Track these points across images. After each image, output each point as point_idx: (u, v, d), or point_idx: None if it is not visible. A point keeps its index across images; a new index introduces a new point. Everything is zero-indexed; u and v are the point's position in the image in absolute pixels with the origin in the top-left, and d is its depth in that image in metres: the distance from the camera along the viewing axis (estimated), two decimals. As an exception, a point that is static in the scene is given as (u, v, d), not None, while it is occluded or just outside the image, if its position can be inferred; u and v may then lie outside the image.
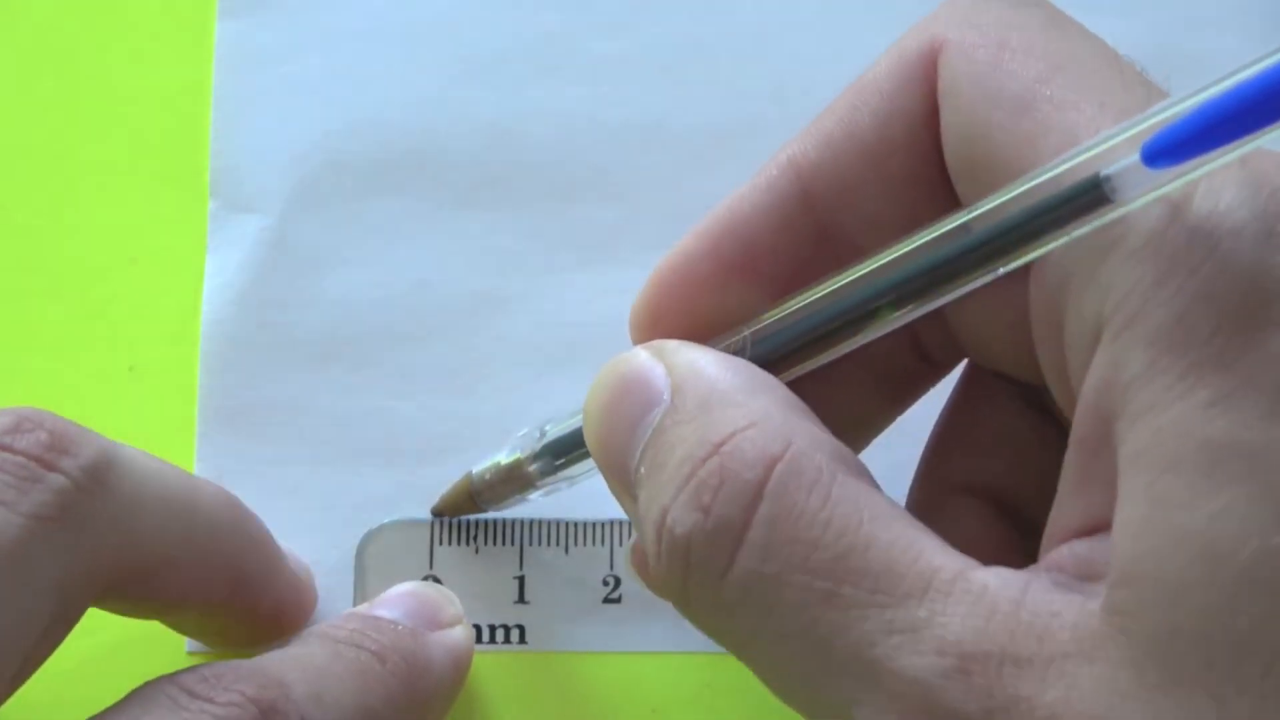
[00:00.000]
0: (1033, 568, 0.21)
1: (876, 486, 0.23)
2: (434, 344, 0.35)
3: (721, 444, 0.23)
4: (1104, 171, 0.21)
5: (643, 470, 0.24)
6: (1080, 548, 0.21)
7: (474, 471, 0.32)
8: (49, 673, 0.27)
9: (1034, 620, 0.20)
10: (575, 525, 0.33)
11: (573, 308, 0.35)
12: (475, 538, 0.33)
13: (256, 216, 0.35)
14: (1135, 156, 0.20)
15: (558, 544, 0.33)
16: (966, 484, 0.27)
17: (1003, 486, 0.27)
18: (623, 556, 0.33)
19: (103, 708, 0.25)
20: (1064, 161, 0.22)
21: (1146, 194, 0.21)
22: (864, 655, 0.21)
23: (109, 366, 0.35)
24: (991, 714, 0.20)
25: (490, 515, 0.33)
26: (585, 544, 0.33)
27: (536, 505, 0.33)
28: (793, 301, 0.26)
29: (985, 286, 0.23)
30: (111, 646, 0.32)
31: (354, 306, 0.35)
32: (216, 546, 0.29)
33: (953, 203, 0.25)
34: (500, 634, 0.33)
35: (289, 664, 0.27)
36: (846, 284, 0.25)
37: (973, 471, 0.28)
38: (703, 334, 0.27)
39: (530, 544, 0.33)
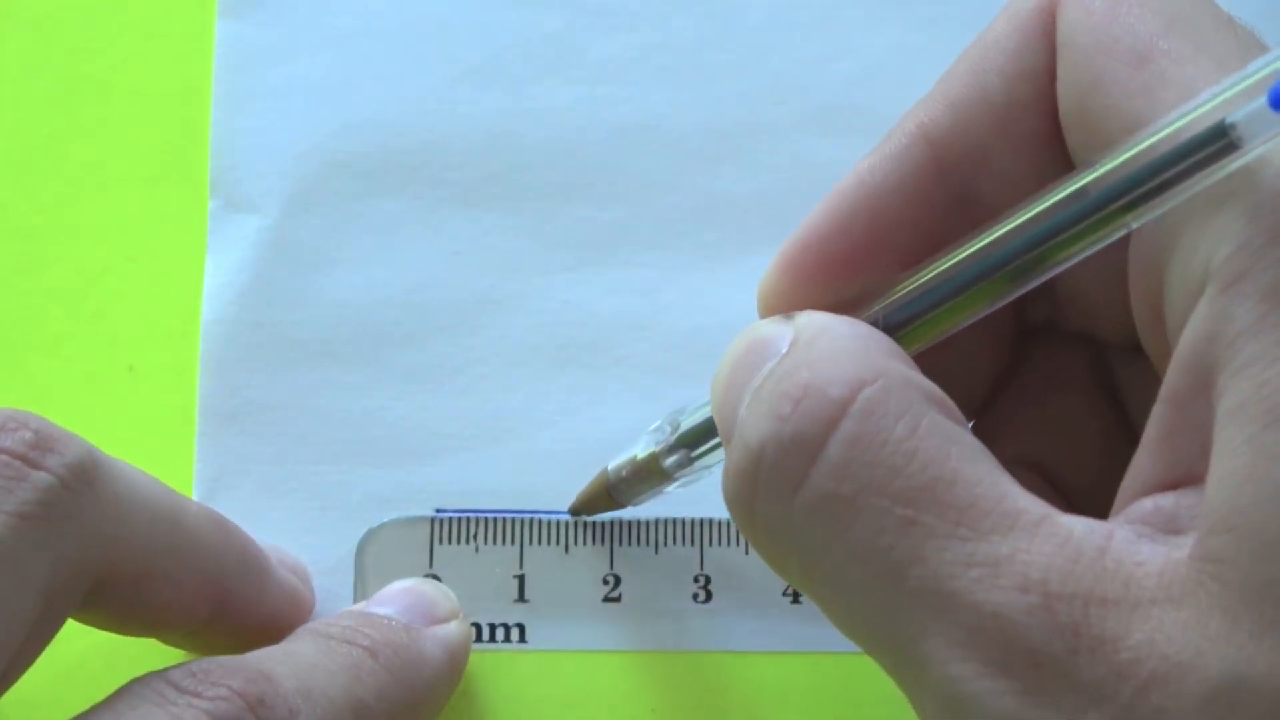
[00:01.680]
0: (1113, 519, 0.21)
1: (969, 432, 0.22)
2: (434, 344, 0.35)
3: (812, 363, 0.22)
4: (1229, 118, 0.21)
5: (744, 412, 0.23)
6: (1164, 501, 0.21)
7: (610, 467, 0.32)
8: (45, 672, 0.27)
9: (1119, 566, 0.20)
10: (576, 525, 0.33)
11: (573, 308, 0.35)
12: (475, 537, 0.33)
13: (256, 216, 0.35)
14: (1261, 100, 0.20)
15: (558, 544, 0.33)
16: (1016, 458, 0.27)
17: (1052, 461, 0.27)
18: (623, 556, 0.33)
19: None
20: (1185, 113, 0.21)
21: (1272, 139, 0.20)
22: (941, 587, 0.20)
23: (109, 366, 0.35)
24: (1076, 653, 0.20)
25: (494, 513, 0.33)
26: (586, 544, 0.33)
27: (536, 505, 0.33)
28: (922, 274, 0.25)
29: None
30: (108, 646, 0.32)
31: (354, 306, 0.35)
32: (201, 562, 0.29)
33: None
34: (500, 633, 0.33)
35: (278, 659, 0.27)
36: (972, 253, 0.24)
37: (1023, 445, 0.27)
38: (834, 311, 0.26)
39: (530, 544, 0.33)
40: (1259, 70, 0.21)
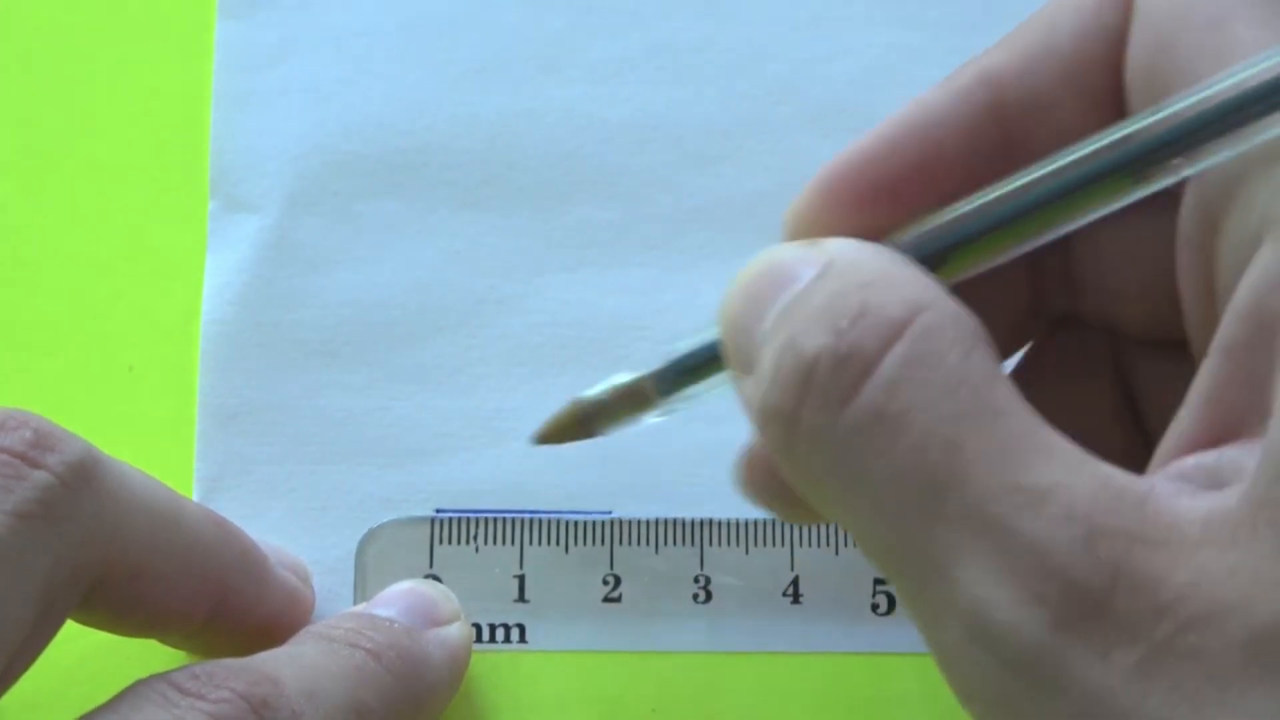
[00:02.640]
0: (1152, 475, 0.21)
1: None
2: (434, 344, 0.35)
3: (867, 284, 0.22)
4: None
5: (770, 329, 0.23)
6: (1207, 458, 0.21)
7: (584, 394, 0.30)
8: (45, 673, 0.27)
9: (1162, 511, 0.20)
10: (575, 525, 0.33)
11: (573, 308, 0.35)
12: (475, 537, 0.33)
13: (256, 216, 0.35)
14: None
15: (558, 544, 0.33)
16: None
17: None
18: (623, 556, 0.33)
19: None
20: (1247, 68, 0.21)
21: None
22: (984, 510, 0.20)
23: (108, 366, 0.35)
24: (1114, 589, 0.19)
25: (494, 513, 0.33)
26: (585, 544, 0.33)
27: (536, 505, 0.33)
28: (957, 206, 0.24)
29: (1123, 214, 0.23)
30: (108, 647, 0.32)
31: (354, 306, 0.35)
32: (200, 563, 0.29)
33: None
34: (500, 633, 0.33)
35: (282, 661, 0.27)
36: (1014, 188, 0.24)
37: None
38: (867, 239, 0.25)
39: (530, 544, 0.33)
40: None
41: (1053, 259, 0.26)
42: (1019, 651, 0.20)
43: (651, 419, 0.29)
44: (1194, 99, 0.22)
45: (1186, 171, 0.22)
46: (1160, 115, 0.22)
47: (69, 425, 0.27)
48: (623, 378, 0.29)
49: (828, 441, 0.21)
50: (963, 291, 0.24)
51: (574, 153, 0.36)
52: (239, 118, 0.36)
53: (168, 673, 0.26)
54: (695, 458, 0.34)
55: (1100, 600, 0.19)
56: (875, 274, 0.22)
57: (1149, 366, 0.27)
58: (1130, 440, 0.27)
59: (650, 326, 0.35)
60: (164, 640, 0.31)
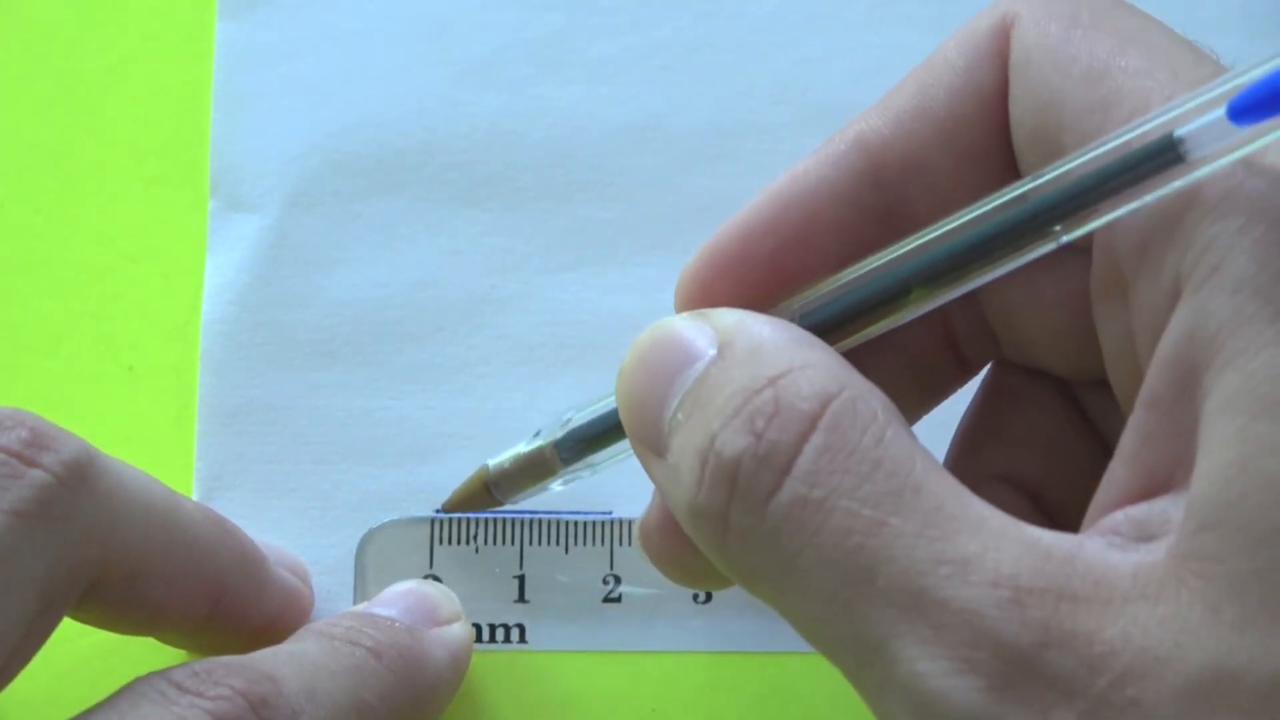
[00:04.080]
0: (1084, 532, 0.21)
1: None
2: (434, 344, 0.35)
3: (777, 378, 0.22)
4: (1178, 131, 0.21)
5: (680, 416, 0.23)
6: (1136, 512, 0.21)
7: (490, 463, 0.32)
8: (45, 672, 0.27)
9: (1090, 569, 0.20)
10: (575, 525, 0.33)
11: (573, 308, 0.35)
12: (475, 537, 0.33)
13: (256, 216, 0.35)
14: (1212, 115, 0.20)
15: (558, 544, 0.33)
16: (995, 474, 0.27)
17: (1031, 478, 0.27)
18: (623, 556, 0.33)
19: (97, 705, 0.25)
20: (1137, 127, 0.21)
21: (1220, 156, 0.21)
22: (911, 585, 0.20)
23: (108, 366, 0.35)
24: (1045, 647, 0.20)
25: (494, 513, 0.33)
26: (585, 544, 0.33)
27: (536, 504, 0.33)
28: (843, 274, 0.25)
29: (1032, 269, 0.23)
30: (108, 647, 0.32)
31: (354, 306, 0.35)
32: (198, 561, 0.29)
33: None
34: (500, 633, 0.33)
35: (282, 659, 0.27)
36: (899, 255, 0.24)
37: (1001, 463, 0.27)
38: (753, 309, 0.26)
39: (530, 544, 0.33)
40: (1214, 89, 0.21)
41: (965, 310, 0.27)
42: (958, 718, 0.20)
43: (557, 486, 0.30)
44: (1084, 158, 0.22)
45: (1085, 229, 0.22)
46: (1051, 176, 0.23)
47: (69, 425, 0.27)
48: (525, 446, 0.30)
49: (757, 536, 0.22)
50: (882, 341, 0.25)
51: (574, 153, 0.36)
52: (239, 118, 0.36)
53: (167, 670, 0.26)
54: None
55: (1033, 660, 0.20)
56: (781, 361, 0.22)
57: (1099, 400, 0.27)
58: (1097, 459, 0.27)
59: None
60: (163, 639, 0.31)
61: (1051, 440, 0.27)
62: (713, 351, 0.23)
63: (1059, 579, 0.20)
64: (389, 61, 0.37)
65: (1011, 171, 0.25)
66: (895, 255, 0.24)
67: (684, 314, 0.25)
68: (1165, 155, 0.21)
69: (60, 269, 0.35)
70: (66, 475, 0.26)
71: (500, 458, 0.31)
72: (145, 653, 0.31)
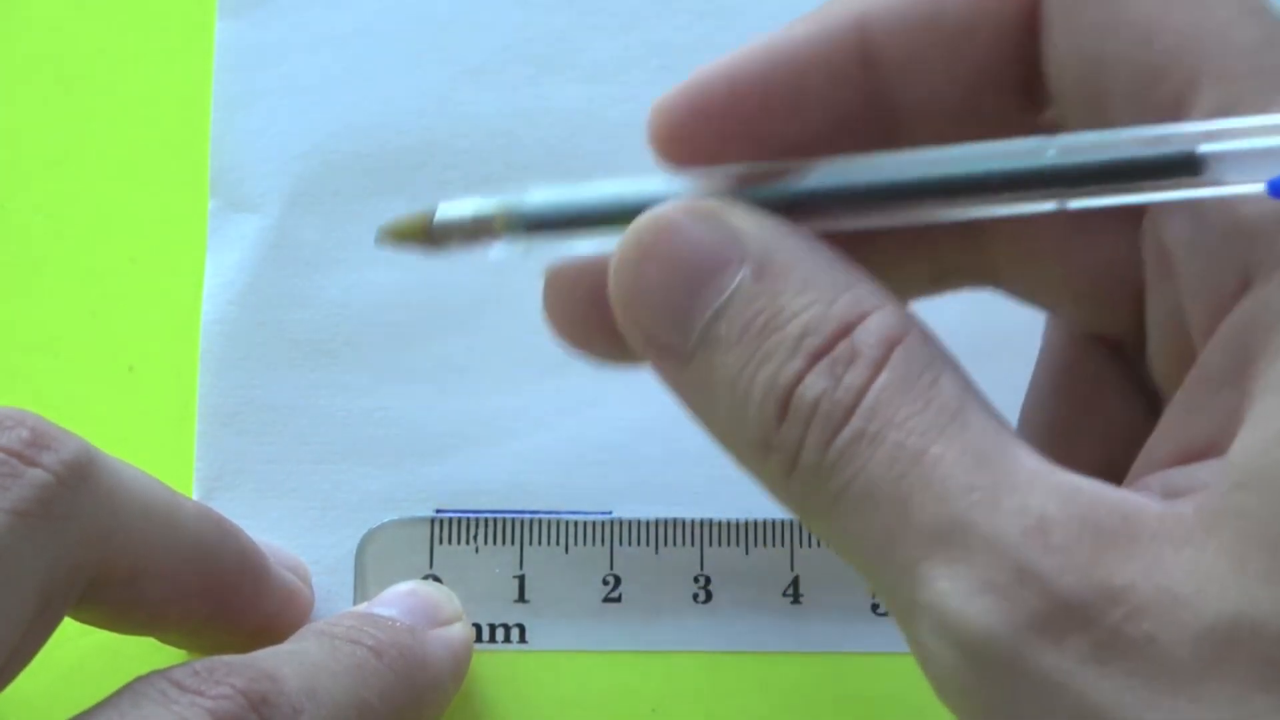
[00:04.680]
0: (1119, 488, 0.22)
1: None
2: (434, 344, 0.35)
3: (851, 323, 0.22)
4: (1203, 149, 0.21)
5: (723, 330, 0.23)
6: (1172, 475, 0.21)
7: (439, 207, 0.28)
8: (45, 673, 0.27)
9: (1118, 508, 0.20)
10: (576, 525, 0.33)
11: (573, 308, 0.35)
12: (475, 537, 0.33)
13: (256, 216, 0.35)
14: (1245, 150, 0.21)
15: (558, 544, 0.33)
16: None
17: (1084, 446, 0.27)
18: (623, 556, 0.33)
19: (98, 705, 0.25)
20: (1163, 128, 0.22)
21: (1237, 185, 0.21)
22: (943, 511, 0.21)
23: (108, 366, 0.35)
24: (1066, 575, 0.20)
25: (494, 513, 0.33)
26: (585, 544, 0.33)
27: (536, 504, 0.33)
28: (843, 160, 0.24)
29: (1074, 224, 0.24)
30: (108, 647, 0.32)
31: (354, 306, 0.35)
32: (198, 561, 0.29)
33: (1021, 104, 0.25)
34: (500, 634, 0.33)
35: (283, 658, 0.27)
36: (908, 160, 0.24)
37: (1057, 433, 0.28)
38: (725, 159, 0.25)
39: (530, 544, 0.33)
40: (1259, 134, 0.21)
41: (960, 237, 0.26)
42: (976, 642, 0.20)
43: (497, 251, 0.28)
44: (1107, 137, 0.22)
45: (1091, 204, 0.23)
46: (1068, 143, 0.23)
47: (69, 425, 0.27)
48: (481, 203, 0.28)
49: (818, 471, 0.22)
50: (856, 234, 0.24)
51: (574, 153, 0.36)
52: (239, 118, 0.36)
53: (167, 669, 0.26)
54: (695, 458, 0.34)
55: (1053, 587, 0.20)
56: (842, 298, 0.23)
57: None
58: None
59: (650, 326, 0.35)
60: (163, 639, 0.31)
61: (1110, 414, 0.27)
62: (747, 268, 0.23)
63: (1086, 513, 0.20)
64: (389, 61, 0.36)
65: (1013, 95, 0.25)
66: (904, 158, 0.24)
67: (688, 209, 0.24)
68: (1187, 166, 0.21)
69: (60, 269, 0.35)
70: (67, 475, 0.26)
71: (448, 208, 0.28)
72: (145, 653, 0.31)
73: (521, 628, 0.33)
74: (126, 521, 0.27)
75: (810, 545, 0.33)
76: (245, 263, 0.35)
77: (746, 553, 0.33)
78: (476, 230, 0.28)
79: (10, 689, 0.26)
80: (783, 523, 0.33)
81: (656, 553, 0.33)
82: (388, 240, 0.29)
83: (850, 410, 0.22)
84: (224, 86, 0.36)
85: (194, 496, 0.34)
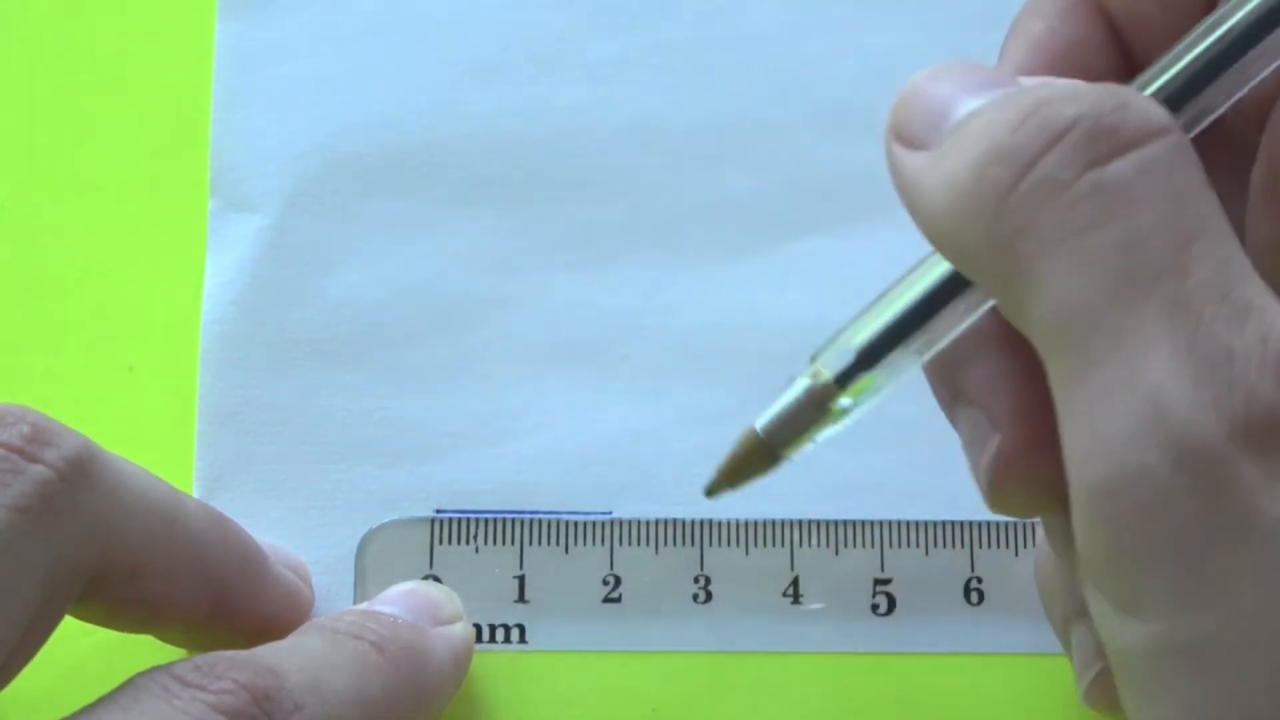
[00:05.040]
0: None
1: None
2: (434, 344, 0.35)
3: (1127, 100, 0.22)
4: None
5: (985, 111, 0.23)
6: None
7: (759, 425, 0.27)
8: (45, 672, 0.27)
9: None
10: (575, 525, 0.33)
11: (573, 308, 0.35)
12: (475, 537, 0.33)
13: (256, 216, 0.35)
14: None
15: (558, 544, 0.33)
16: None
17: None
18: (623, 556, 0.33)
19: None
20: None
21: None
22: (1191, 306, 0.20)
23: (108, 366, 0.35)
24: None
25: (493, 513, 0.33)
26: (585, 544, 0.33)
27: (536, 504, 0.33)
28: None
29: None
30: (109, 647, 0.32)
31: (354, 306, 0.35)
32: (199, 558, 0.29)
33: None
34: (500, 634, 0.33)
35: (285, 653, 0.27)
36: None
37: None
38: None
39: (530, 544, 0.33)
40: None
41: None
42: (1190, 448, 0.20)
43: (836, 427, 0.27)
44: None
45: None
46: None
47: (69, 425, 0.27)
48: (795, 389, 0.27)
49: (1056, 195, 0.21)
50: None
51: (574, 153, 0.36)
52: (239, 118, 0.36)
53: (169, 665, 0.26)
54: (695, 458, 0.34)
55: (1278, 422, 0.20)
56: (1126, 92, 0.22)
57: None
58: None
59: (650, 326, 0.35)
60: (163, 637, 0.31)
61: None
62: (1024, 85, 0.23)
63: None
64: (389, 61, 0.37)
65: None
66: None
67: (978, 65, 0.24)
68: None
69: (60, 269, 0.35)
70: (68, 471, 0.26)
71: (766, 414, 0.27)
72: (146, 652, 0.31)
73: (521, 628, 0.33)
74: (128, 518, 0.27)
75: (810, 545, 0.33)
76: (245, 263, 0.35)
77: (746, 553, 0.33)
78: (806, 418, 0.27)
79: (10, 688, 0.26)
80: (783, 523, 0.33)
81: (656, 553, 0.33)
82: (725, 489, 0.28)
83: (1121, 149, 0.21)
84: (224, 86, 0.36)
85: (194, 496, 0.34)
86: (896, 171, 0.24)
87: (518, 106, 0.36)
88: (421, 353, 0.35)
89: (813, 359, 0.27)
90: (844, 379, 0.26)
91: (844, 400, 0.26)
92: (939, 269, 0.25)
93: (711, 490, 0.28)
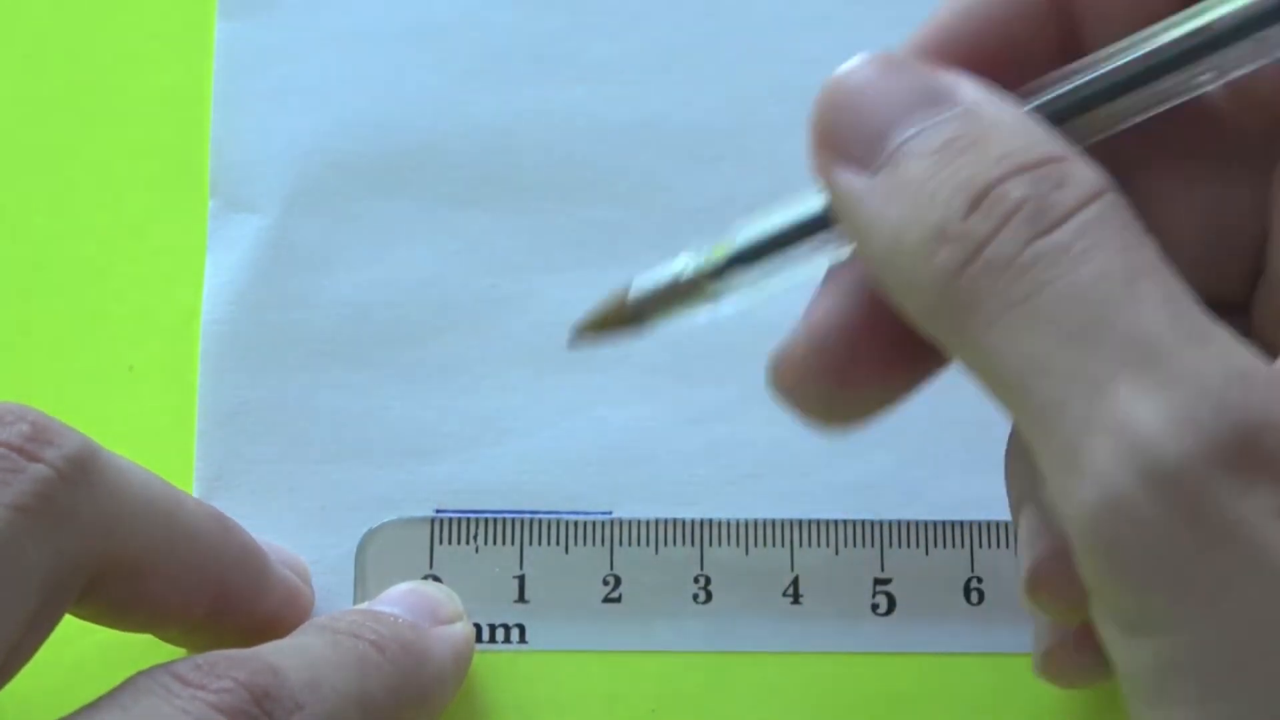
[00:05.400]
0: None
1: None
2: (434, 344, 0.35)
3: (1062, 158, 0.22)
4: None
5: (921, 144, 0.23)
6: None
7: (633, 287, 0.28)
8: (45, 673, 0.27)
9: None
10: (576, 525, 0.33)
11: (573, 308, 0.35)
12: (475, 537, 0.33)
13: (256, 216, 0.35)
14: None
15: (558, 544, 0.33)
16: None
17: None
18: (623, 556, 0.33)
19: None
20: None
21: None
22: (1150, 337, 0.21)
23: (108, 366, 0.35)
24: (1265, 430, 0.20)
25: (493, 513, 0.33)
26: (585, 544, 0.33)
27: (536, 504, 0.33)
28: (1076, 73, 0.25)
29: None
30: (109, 647, 0.32)
31: (354, 306, 0.35)
32: (199, 558, 0.29)
33: None
34: (500, 634, 0.33)
35: (285, 652, 0.27)
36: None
37: None
38: None
39: (530, 544, 0.33)
40: None
41: None
42: (1165, 472, 0.20)
43: (702, 311, 0.28)
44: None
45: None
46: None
47: (69, 425, 0.27)
48: (676, 265, 0.28)
49: (1008, 267, 0.22)
50: None
51: (574, 153, 0.36)
52: (239, 118, 0.36)
53: (169, 663, 0.26)
54: (695, 458, 0.34)
55: (1251, 437, 0.20)
56: (1055, 145, 0.23)
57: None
58: None
59: (650, 326, 0.35)
60: (163, 637, 0.31)
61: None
62: (960, 106, 0.23)
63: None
64: (389, 62, 0.37)
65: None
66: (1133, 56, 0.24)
67: (915, 60, 0.25)
68: None
69: (60, 269, 0.35)
70: (68, 470, 0.26)
71: (642, 283, 0.28)
72: (146, 652, 0.31)
73: (521, 628, 0.33)
74: (128, 517, 0.27)
75: (810, 545, 0.33)
76: (245, 263, 0.35)
77: (746, 553, 0.33)
78: (677, 293, 0.28)
79: (10, 688, 0.26)
80: (783, 523, 0.33)
81: (656, 553, 0.33)
82: (587, 336, 0.28)
83: (1059, 220, 0.22)
84: (224, 86, 0.36)
85: (194, 496, 0.33)
86: (833, 186, 0.25)
87: (518, 106, 0.36)
88: (421, 353, 0.35)
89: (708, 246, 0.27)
90: (720, 270, 0.27)
91: (715, 286, 0.27)
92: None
93: (573, 339, 0.28)
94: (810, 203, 0.26)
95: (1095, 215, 0.22)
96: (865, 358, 0.26)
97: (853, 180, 0.24)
